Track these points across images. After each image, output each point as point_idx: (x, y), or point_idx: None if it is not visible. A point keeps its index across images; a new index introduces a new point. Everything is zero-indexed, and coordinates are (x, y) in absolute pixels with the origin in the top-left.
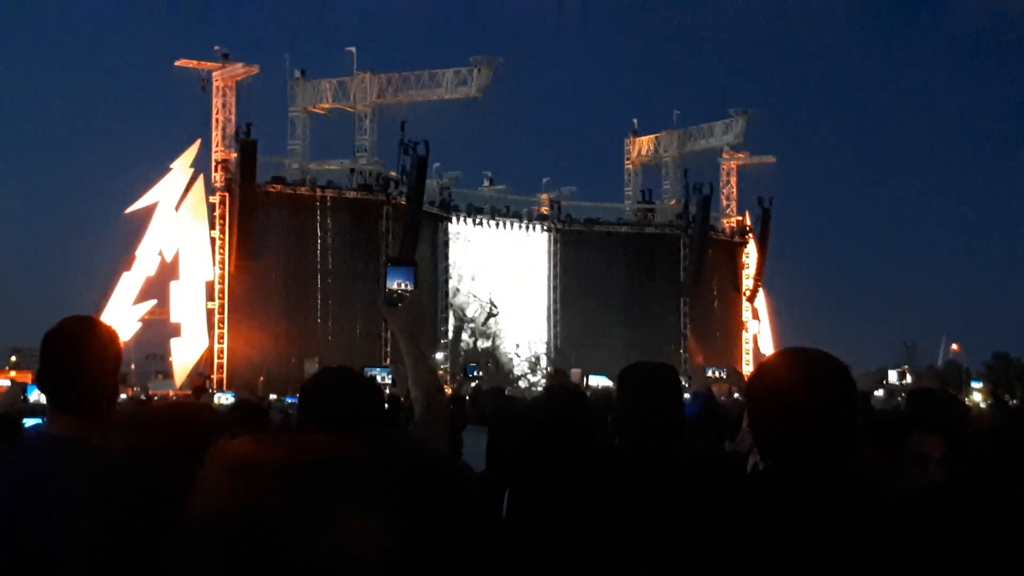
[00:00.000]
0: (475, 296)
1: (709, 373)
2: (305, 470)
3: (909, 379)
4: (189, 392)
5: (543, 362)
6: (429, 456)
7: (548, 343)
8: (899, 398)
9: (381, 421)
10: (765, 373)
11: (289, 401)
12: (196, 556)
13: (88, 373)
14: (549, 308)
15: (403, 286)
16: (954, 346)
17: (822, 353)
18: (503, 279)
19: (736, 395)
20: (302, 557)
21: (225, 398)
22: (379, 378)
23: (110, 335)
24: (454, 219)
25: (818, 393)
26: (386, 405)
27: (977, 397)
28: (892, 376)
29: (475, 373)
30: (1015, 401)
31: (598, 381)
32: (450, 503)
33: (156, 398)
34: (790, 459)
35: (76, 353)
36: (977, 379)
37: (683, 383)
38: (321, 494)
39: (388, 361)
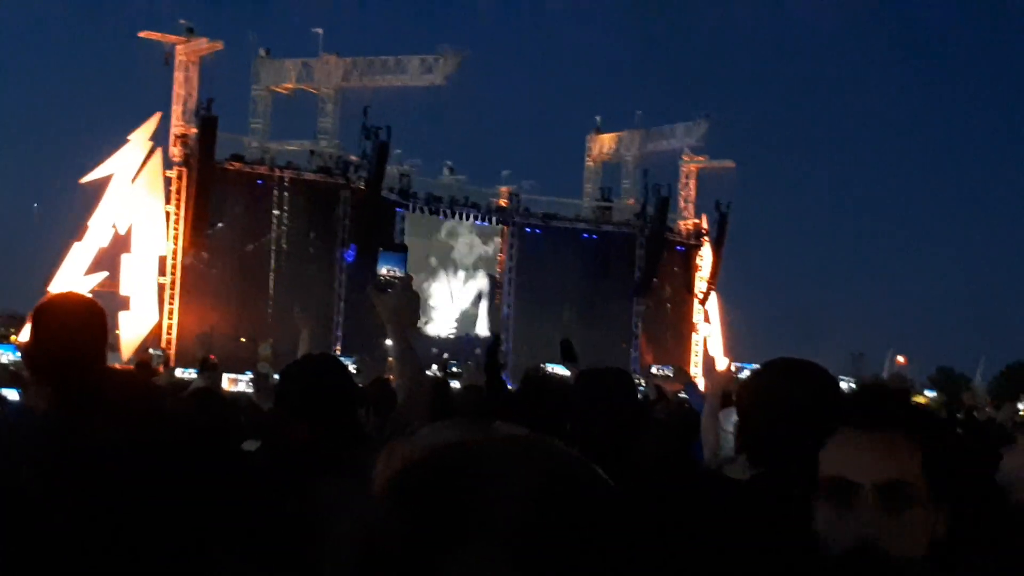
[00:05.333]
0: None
1: (654, 370)
2: None
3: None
4: (133, 367)
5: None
6: None
7: (501, 336)
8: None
9: (354, 411)
10: (757, 383)
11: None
12: None
13: (73, 348)
14: (503, 301)
15: (393, 272)
16: (900, 358)
17: (810, 363)
18: (458, 268)
19: (682, 395)
20: None
21: (187, 373)
22: (346, 366)
23: (97, 312)
24: (412, 206)
25: (809, 401)
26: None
27: None
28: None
29: (454, 370)
30: (959, 415)
31: (555, 370)
32: None
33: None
34: (781, 466)
35: (62, 328)
36: (931, 388)
37: (637, 383)
38: None
39: (339, 348)
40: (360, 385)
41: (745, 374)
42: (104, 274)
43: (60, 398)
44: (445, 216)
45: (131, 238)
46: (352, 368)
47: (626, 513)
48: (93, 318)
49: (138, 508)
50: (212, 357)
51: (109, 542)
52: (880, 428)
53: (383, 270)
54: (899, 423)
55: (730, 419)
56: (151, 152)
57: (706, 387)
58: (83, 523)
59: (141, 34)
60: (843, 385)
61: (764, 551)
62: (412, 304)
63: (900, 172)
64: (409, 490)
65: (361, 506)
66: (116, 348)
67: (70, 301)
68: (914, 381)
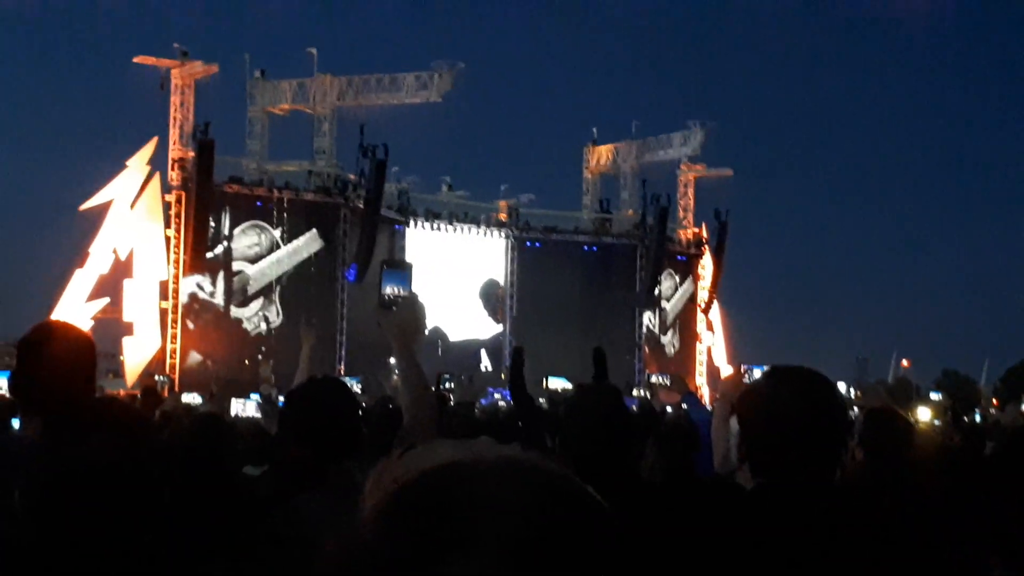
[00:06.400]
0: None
1: (654, 379)
2: None
3: (853, 394)
4: (138, 393)
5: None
6: None
7: (503, 350)
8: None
9: (358, 434)
10: (758, 392)
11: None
12: None
13: (54, 377)
14: (506, 315)
15: (397, 290)
16: (904, 362)
17: (811, 371)
18: (459, 284)
19: (684, 405)
20: None
21: (191, 398)
22: (352, 386)
23: (81, 340)
24: (412, 223)
25: (811, 410)
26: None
27: (926, 414)
28: (841, 388)
29: (447, 386)
30: (965, 419)
31: (558, 384)
32: None
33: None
34: (784, 476)
35: (43, 357)
36: (937, 390)
37: (644, 394)
38: None
39: (342, 368)
40: (364, 404)
41: (756, 374)
42: (106, 300)
43: (47, 426)
44: (445, 231)
45: (132, 263)
46: (357, 388)
47: (617, 532)
48: (78, 347)
49: (117, 532)
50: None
51: (89, 567)
52: None
53: (387, 288)
54: None
55: (735, 427)
56: (149, 177)
57: (712, 396)
58: (64, 549)
59: (136, 59)
60: (842, 388)
61: (762, 562)
62: (417, 321)
63: (901, 174)
64: (399, 512)
65: (343, 520)
66: (120, 374)
67: (54, 331)
68: (919, 385)
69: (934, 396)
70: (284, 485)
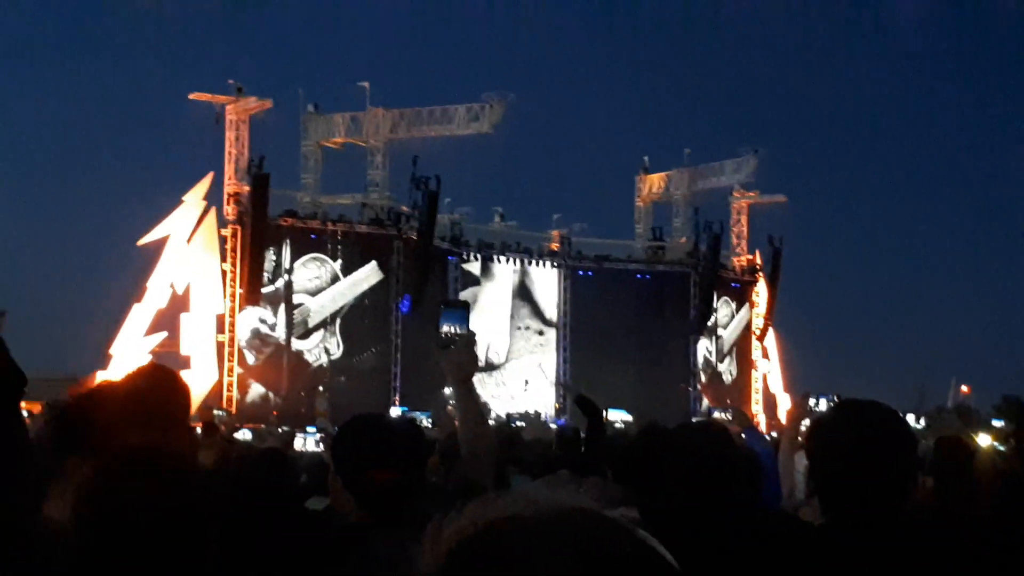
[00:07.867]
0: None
1: (716, 415)
2: None
3: (923, 423)
4: (199, 425)
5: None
6: None
7: (557, 380)
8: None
9: (420, 466)
10: (827, 428)
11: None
12: None
13: (150, 419)
14: (558, 345)
15: (455, 329)
16: (964, 388)
17: (879, 404)
18: (511, 314)
19: (743, 436)
20: None
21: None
22: (421, 421)
23: (175, 382)
24: (464, 254)
25: (881, 445)
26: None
27: (986, 441)
28: (910, 420)
29: (517, 424)
30: None
31: (618, 416)
32: None
33: None
34: (854, 511)
35: (140, 400)
36: (999, 417)
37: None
38: None
39: (397, 399)
40: (436, 438)
41: (822, 403)
42: (164, 334)
43: (99, 467)
44: (497, 262)
45: (189, 297)
46: (427, 423)
47: None
48: (175, 389)
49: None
50: (275, 412)
51: None
52: None
53: (445, 327)
54: None
55: (802, 461)
56: (205, 211)
57: (768, 426)
58: None
59: (192, 95)
60: (910, 420)
61: None
62: (475, 358)
63: (958, 197)
64: (459, 568)
65: (415, 562)
66: None
67: (153, 373)
68: (979, 410)
69: (996, 423)
70: (354, 521)
